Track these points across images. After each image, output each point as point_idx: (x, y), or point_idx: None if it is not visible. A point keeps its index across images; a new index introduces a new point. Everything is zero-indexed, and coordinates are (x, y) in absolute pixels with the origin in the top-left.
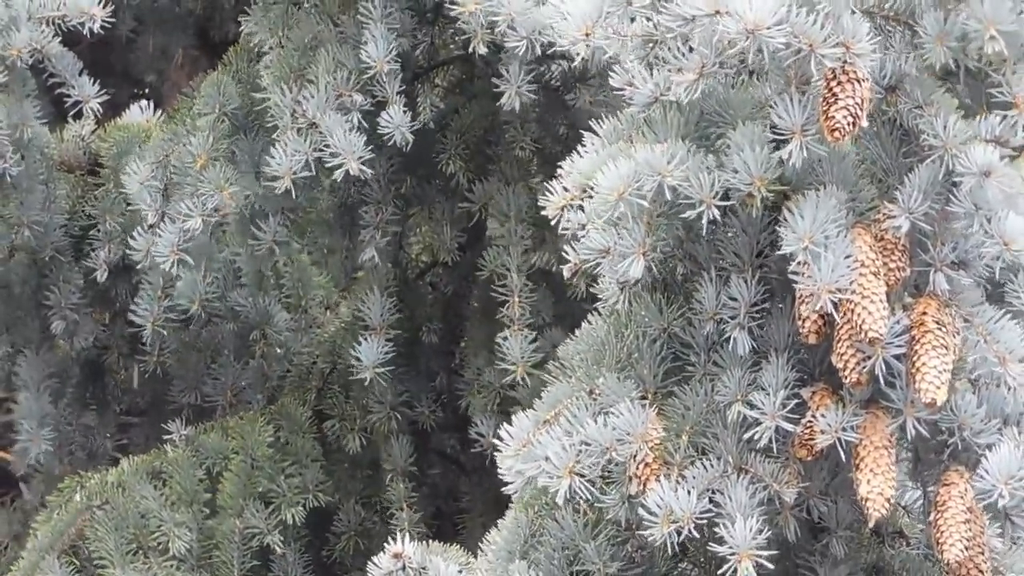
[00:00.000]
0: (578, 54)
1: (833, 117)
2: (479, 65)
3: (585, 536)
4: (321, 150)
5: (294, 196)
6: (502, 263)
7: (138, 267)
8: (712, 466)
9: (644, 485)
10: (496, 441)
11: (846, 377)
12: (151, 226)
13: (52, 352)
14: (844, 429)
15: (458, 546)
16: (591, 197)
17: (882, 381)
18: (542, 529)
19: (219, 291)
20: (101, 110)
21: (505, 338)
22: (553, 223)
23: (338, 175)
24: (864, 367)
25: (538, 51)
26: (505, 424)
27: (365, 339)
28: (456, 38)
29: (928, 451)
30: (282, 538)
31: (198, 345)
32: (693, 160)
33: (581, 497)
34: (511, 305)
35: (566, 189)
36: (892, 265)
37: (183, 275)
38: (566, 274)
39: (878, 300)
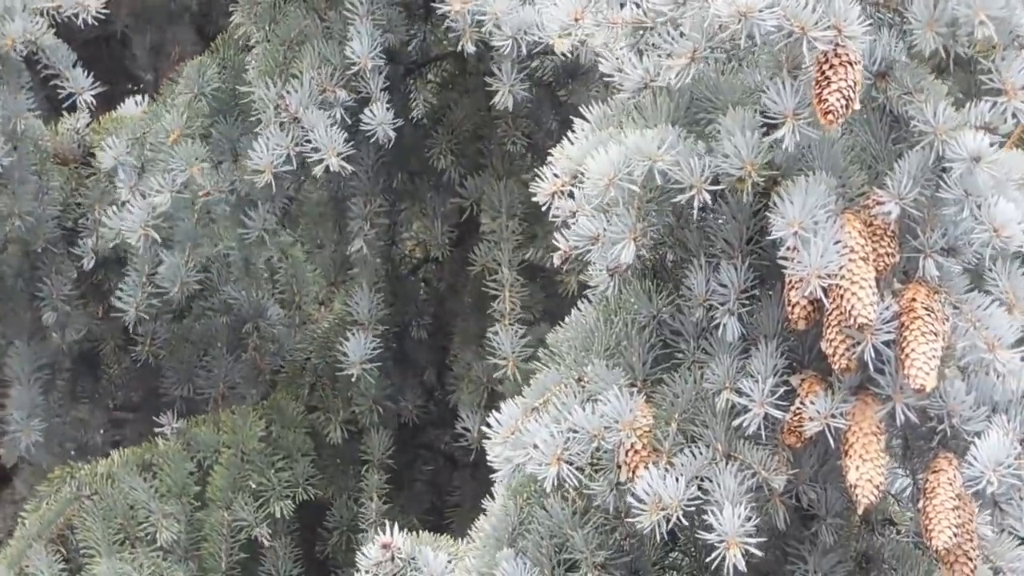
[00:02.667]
0: (563, 53)
1: (826, 100)
2: (471, 61)
3: (573, 524)
4: (302, 145)
5: (273, 189)
6: (493, 258)
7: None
8: (701, 453)
9: (633, 473)
10: (485, 429)
11: (835, 363)
12: (123, 203)
13: (44, 344)
14: (833, 416)
15: (447, 536)
16: (581, 183)
17: (871, 367)
18: (530, 517)
19: (204, 278)
20: (95, 102)
21: (496, 332)
22: (544, 210)
23: (318, 171)
24: (853, 353)
25: (524, 50)
26: (494, 412)
27: (353, 335)
28: (448, 34)
29: (917, 438)
30: (271, 531)
31: (191, 337)
32: (684, 145)
33: (569, 484)
34: (502, 300)
35: (556, 175)
36: (882, 251)
37: (166, 259)
38: (556, 261)
39: (867, 286)
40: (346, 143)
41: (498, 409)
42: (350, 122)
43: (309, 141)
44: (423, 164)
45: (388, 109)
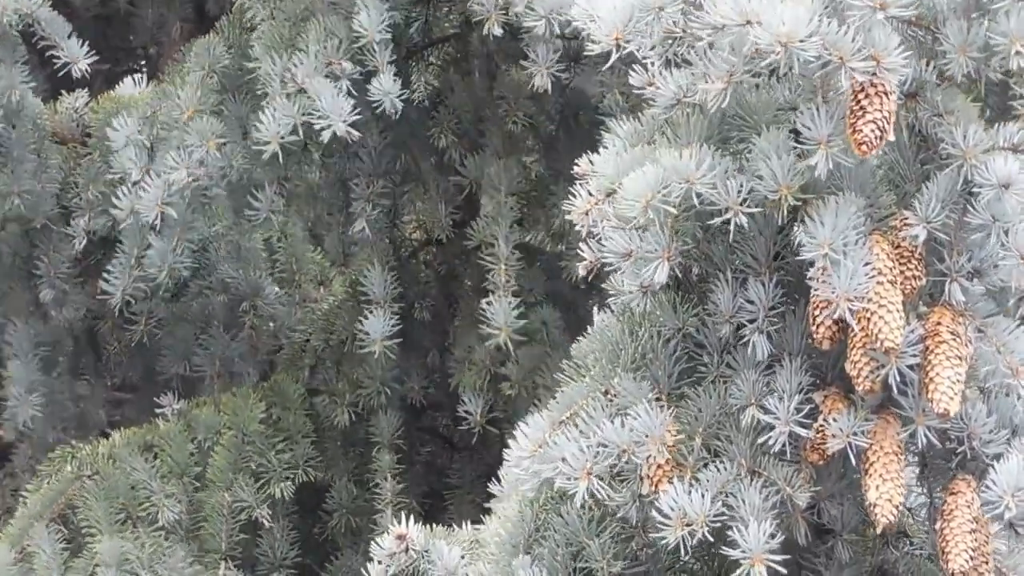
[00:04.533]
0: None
1: (861, 131)
2: (474, 43)
3: (590, 533)
4: (309, 114)
5: (281, 161)
6: (491, 233)
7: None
8: (725, 469)
9: (655, 486)
10: (482, 427)
11: (859, 384)
12: (135, 183)
13: (45, 322)
14: (855, 434)
15: (451, 525)
16: (614, 201)
17: (894, 389)
18: (546, 524)
19: (201, 257)
20: (99, 80)
21: (489, 303)
22: (579, 227)
23: (326, 136)
24: (877, 375)
25: (557, 30)
26: (521, 424)
27: (371, 313)
28: (451, 17)
29: (936, 457)
30: (270, 512)
31: (188, 316)
32: (720, 166)
33: (598, 498)
34: (497, 272)
35: (591, 193)
36: (908, 274)
37: (155, 244)
38: (581, 272)
39: (895, 310)
40: (360, 118)
41: (500, 392)
42: (356, 95)
43: (316, 111)
44: (425, 145)
45: (395, 81)
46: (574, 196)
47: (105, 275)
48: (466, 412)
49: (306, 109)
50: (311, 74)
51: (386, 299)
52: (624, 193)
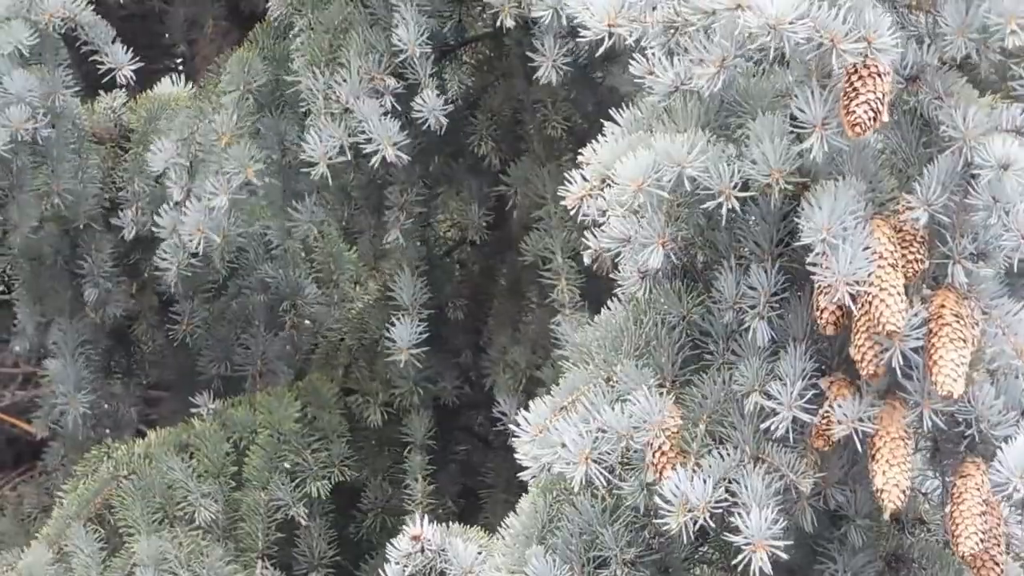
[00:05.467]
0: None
1: (854, 112)
2: (508, 43)
3: (603, 522)
4: (355, 135)
5: (330, 181)
6: (545, 246)
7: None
8: (729, 455)
9: (660, 473)
10: (513, 427)
11: (863, 369)
12: (177, 203)
13: (84, 321)
14: (861, 419)
15: (479, 526)
16: (610, 187)
17: (899, 373)
18: (560, 514)
19: (240, 256)
20: (134, 78)
21: (558, 324)
22: (573, 212)
23: (375, 161)
24: (881, 360)
25: (564, 21)
26: (522, 410)
27: (399, 320)
28: (483, 16)
29: (947, 441)
30: (307, 511)
31: (228, 316)
32: (713, 150)
33: (598, 484)
34: (560, 290)
35: (585, 179)
36: (911, 257)
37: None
38: (586, 260)
39: (896, 293)
40: (400, 131)
41: (535, 394)
42: (400, 109)
43: (363, 131)
44: (459, 148)
45: (438, 95)
46: (570, 182)
47: (160, 253)
48: (500, 413)
49: (352, 130)
50: (355, 92)
51: (414, 305)
52: (617, 178)
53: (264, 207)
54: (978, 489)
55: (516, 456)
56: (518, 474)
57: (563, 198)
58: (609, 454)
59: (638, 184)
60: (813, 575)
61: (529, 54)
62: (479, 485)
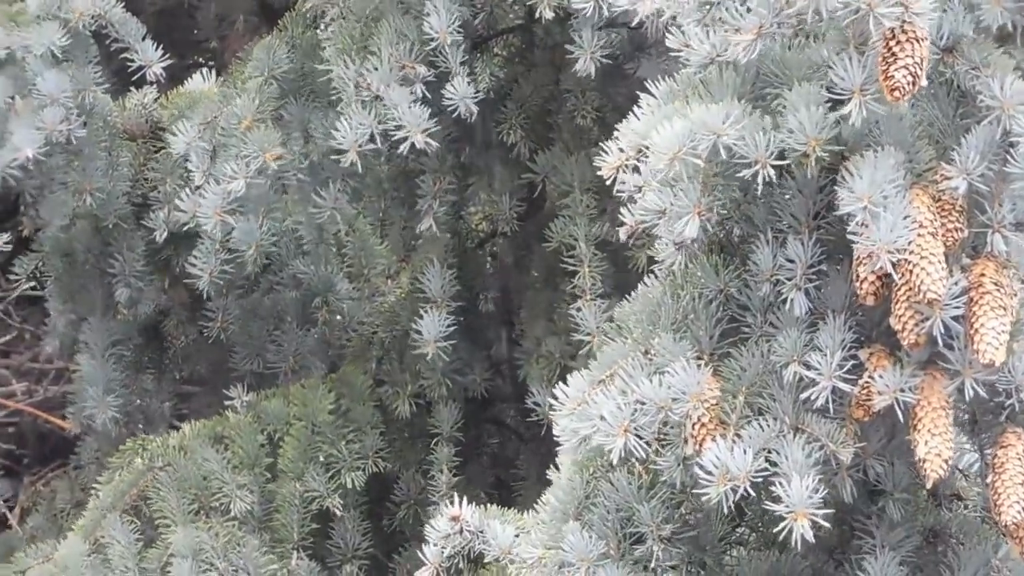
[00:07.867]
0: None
1: (893, 76)
2: (539, 34)
3: (639, 498)
4: (385, 123)
5: (359, 169)
6: (569, 233)
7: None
8: (768, 426)
9: (700, 445)
10: (551, 401)
11: (904, 338)
12: (197, 187)
13: (115, 320)
14: (902, 390)
15: (514, 510)
16: (646, 157)
17: (940, 342)
18: (596, 491)
19: (274, 252)
20: (164, 76)
21: (579, 309)
22: (608, 184)
23: (404, 148)
24: (922, 329)
25: (605, 12)
26: (560, 384)
27: (427, 312)
28: (515, 7)
29: (985, 412)
30: (342, 502)
31: (260, 312)
32: (749, 120)
33: (636, 456)
34: (582, 276)
35: (621, 150)
36: (950, 226)
37: (239, 224)
38: (622, 236)
39: (936, 261)
40: (430, 119)
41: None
42: (431, 97)
43: (392, 119)
44: (490, 137)
45: (469, 83)
46: (606, 151)
47: (192, 260)
48: (534, 404)
49: (383, 117)
50: (386, 80)
51: (443, 298)
52: (652, 147)
53: (296, 202)
54: (1019, 459)
55: (549, 447)
56: (551, 466)
57: (588, 187)
58: (648, 426)
59: (674, 153)
60: (851, 551)
61: (567, 47)
62: (512, 477)
